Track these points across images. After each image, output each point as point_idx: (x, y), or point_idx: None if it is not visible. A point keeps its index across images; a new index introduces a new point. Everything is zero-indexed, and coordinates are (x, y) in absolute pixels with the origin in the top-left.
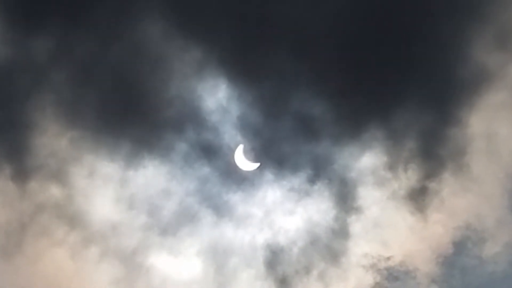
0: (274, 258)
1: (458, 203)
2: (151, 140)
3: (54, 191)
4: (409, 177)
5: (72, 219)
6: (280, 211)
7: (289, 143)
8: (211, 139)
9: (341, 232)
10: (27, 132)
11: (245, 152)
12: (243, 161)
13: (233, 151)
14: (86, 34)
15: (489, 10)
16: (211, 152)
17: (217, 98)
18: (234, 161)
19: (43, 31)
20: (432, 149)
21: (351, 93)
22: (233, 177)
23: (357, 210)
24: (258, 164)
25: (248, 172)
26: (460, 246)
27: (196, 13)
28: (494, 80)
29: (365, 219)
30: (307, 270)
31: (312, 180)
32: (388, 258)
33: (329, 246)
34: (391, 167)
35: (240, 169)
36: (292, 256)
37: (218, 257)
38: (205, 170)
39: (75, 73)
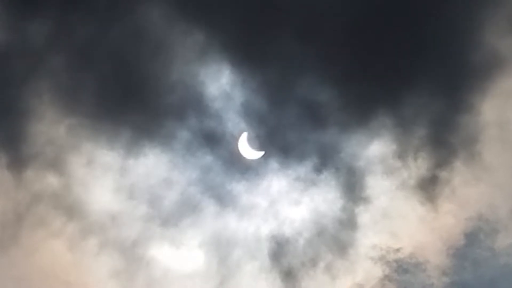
0: (279, 249)
1: (470, 192)
2: (152, 128)
3: (51, 180)
4: (419, 166)
5: (70, 209)
6: (286, 201)
7: (295, 130)
8: (214, 127)
9: (348, 223)
10: (23, 119)
11: (249, 140)
12: (247, 150)
13: (236, 139)
14: (84, 17)
15: None
16: (214, 140)
17: (220, 84)
18: (238, 150)
19: (39, 14)
20: (443, 137)
21: (359, 78)
22: (236, 166)
23: (365, 200)
24: (262, 153)
25: (252, 160)
26: (472, 237)
27: None
28: (508, 66)
29: (373, 209)
30: (314, 262)
31: (318, 169)
32: (398, 250)
33: (336, 237)
34: (401, 155)
35: (244, 157)
36: (298, 247)
37: (221, 249)
38: (208, 158)
39: (73, 57)
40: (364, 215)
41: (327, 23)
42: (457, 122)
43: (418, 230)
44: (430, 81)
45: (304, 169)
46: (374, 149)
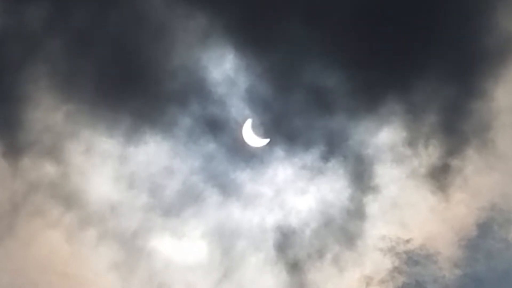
0: (285, 240)
1: (483, 181)
2: (153, 114)
3: (49, 169)
4: (430, 154)
5: (68, 199)
6: (292, 191)
7: (301, 117)
8: (217, 113)
9: (356, 213)
10: (20, 105)
11: (254, 127)
12: (252, 137)
13: (241, 126)
14: (83, 2)
15: None
16: (217, 127)
17: (224, 69)
18: (242, 137)
19: None
20: (455, 124)
21: (367, 63)
22: (240, 154)
23: (374, 189)
24: (267, 140)
25: (257, 148)
26: (485, 228)
27: None
28: None
29: (382, 199)
30: (321, 253)
31: (325, 157)
32: (407, 241)
33: (344, 228)
34: (411, 143)
35: (248, 145)
36: (304, 238)
37: (225, 240)
38: (211, 146)
39: (71, 42)
40: (372, 205)
41: (334, 6)
42: (469, 109)
43: (428, 220)
44: (441, 66)
45: (310, 157)
46: (383, 136)
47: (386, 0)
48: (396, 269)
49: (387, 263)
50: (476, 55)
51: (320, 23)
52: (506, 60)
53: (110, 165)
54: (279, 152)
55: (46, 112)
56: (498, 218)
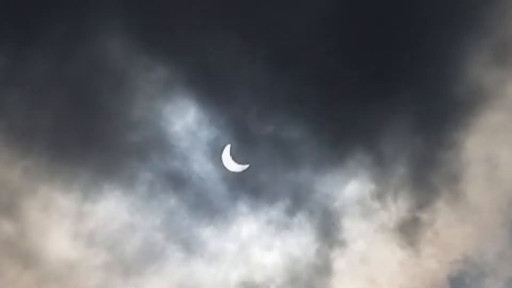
0: None
1: (454, 235)
2: (112, 169)
3: (5, 226)
4: (399, 207)
5: (26, 257)
6: (257, 246)
7: (266, 170)
8: (179, 168)
9: (324, 269)
10: None
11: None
12: (230, 161)
13: (203, 181)
14: (39, 52)
15: (487, 22)
16: (179, 182)
17: (186, 121)
18: (205, 191)
19: None
20: (425, 176)
21: (334, 114)
22: (204, 209)
23: (342, 244)
24: (246, 166)
25: (220, 203)
26: (458, 282)
27: (161, 27)
28: (493, 99)
29: (350, 254)
30: None
31: (291, 212)
32: None
33: (310, 284)
34: (379, 196)
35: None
36: None
37: None
38: (173, 201)
39: (28, 94)
40: (340, 260)
41: (299, 55)
42: (439, 160)
43: (398, 276)
44: (410, 115)
45: (276, 211)
46: (351, 189)
47: (352, 47)
48: None
49: None
50: (446, 104)
51: (284, 74)
52: (477, 109)
53: (68, 222)
54: (243, 207)
55: (2, 167)
56: (471, 271)
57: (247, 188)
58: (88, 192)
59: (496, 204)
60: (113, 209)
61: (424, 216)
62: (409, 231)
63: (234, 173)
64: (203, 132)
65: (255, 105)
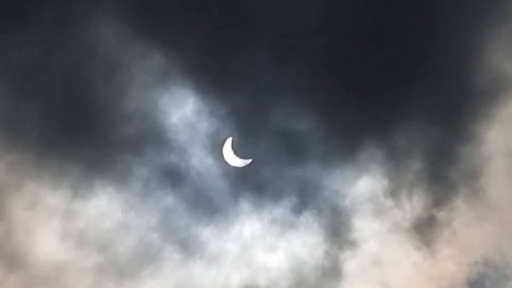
0: None
1: (474, 235)
2: (104, 164)
3: None
4: (414, 204)
5: (11, 259)
6: (260, 247)
7: (270, 165)
8: (177, 163)
9: (332, 272)
10: None
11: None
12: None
13: (203, 177)
14: (27, 38)
15: (508, 6)
16: (177, 178)
17: (184, 112)
18: (205, 188)
19: None
20: (442, 171)
21: (343, 104)
22: (203, 207)
23: (352, 245)
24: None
25: (222, 201)
26: (477, 286)
27: (158, 12)
28: None
29: (361, 255)
30: None
31: (297, 210)
32: None
33: None
34: (393, 193)
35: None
36: None
37: None
38: (170, 199)
39: (14, 84)
40: (350, 262)
41: (307, 42)
42: (457, 154)
43: (413, 279)
44: (427, 106)
45: (281, 210)
46: (362, 186)
47: (364, 34)
48: None
49: None
50: (465, 94)
51: (290, 61)
52: (497, 99)
53: (56, 221)
54: (246, 205)
55: None
56: (492, 274)
57: (250, 184)
58: (78, 188)
59: None
60: (105, 207)
61: (441, 214)
62: (424, 230)
63: (236, 168)
64: (202, 124)
65: (258, 95)
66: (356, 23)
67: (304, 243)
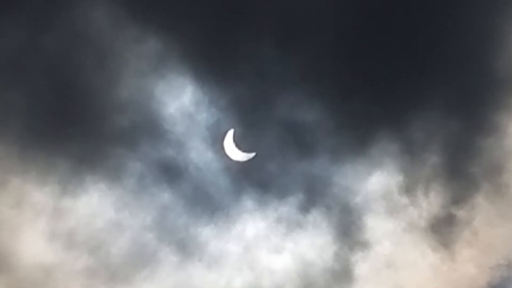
0: None
1: (496, 235)
2: (96, 158)
3: None
4: (432, 202)
5: None
6: (264, 248)
7: (275, 160)
8: (174, 157)
9: (343, 275)
10: None
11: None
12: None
13: (202, 172)
14: (10, 20)
15: None
16: (174, 173)
17: (181, 102)
18: (204, 184)
19: None
20: (461, 166)
21: (354, 93)
22: (202, 205)
23: (364, 245)
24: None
25: (222, 198)
26: None
27: None
28: None
29: (374, 257)
30: None
31: (305, 208)
32: None
33: None
34: (408, 189)
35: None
36: None
37: None
38: (166, 196)
39: None
40: (362, 265)
41: (315, 23)
42: (478, 147)
43: (430, 283)
44: (445, 95)
45: (287, 208)
46: (375, 182)
47: (377, 18)
48: None
49: None
50: (486, 82)
51: (296, 47)
52: None
53: (44, 220)
54: (249, 202)
55: None
56: None
57: (253, 180)
58: (67, 185)
59: None
60: (96, 205)
61: (461, 213)
62: (443, 230)
63: (238, 162)
64: (201, 114)
65: (262, 83)
66: (368, 4)
67: (312, 244)
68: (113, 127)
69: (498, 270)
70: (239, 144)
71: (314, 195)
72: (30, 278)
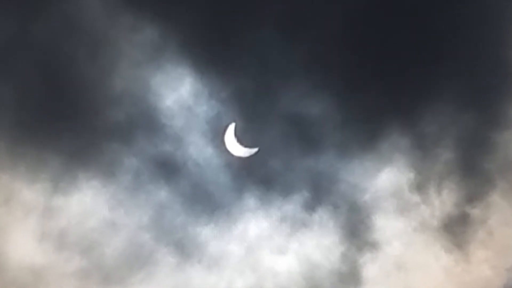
0: None
1: None
2: (89, 154)
3: None
4: (444, 200)
5: None
6: (267, 249)
7: (279, 155)
8: (172, 152)
9: (351, 277)
10: None
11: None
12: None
13: (201, 168)
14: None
15: None
16: (172, 170)
17: (180, 94)
18: (204, 182)
19: None
20: (476, 162)
21: (362, 85)
22: (202, 203)
23: (373, 246)
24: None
25: (223, 197)
26: None
27: None
28: None
29: (383, 258)
30: None
31: (310, 206)
32: None
33: None
34: (420, 187)
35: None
36: None
37: None
38: (164, 194)
39: None
40: (371, 267)
41: (321, 12)
42: (493, 142)
43: (443, 285)
44: (458, 87)
45: (291, 206)
46: (385, 179)
47: (387, 7)
48: None
49: None
50: (503, 74)
51: (301, 33)
52: None
53: (34, 220)
54: (251, 200)
55: None
56: None
57: (256, 177)
58: (58, 182)
59: None
60: (89, 204)
61: (475, 211)
62: (456, 230)
63: (239, 158)
64: (201, 107)
65: (265, 74)
66: None
67: (317, 244)
68: (107, 121)
69: None
70: (241, 138)
71: (320, 192)
72: (18, 281)
